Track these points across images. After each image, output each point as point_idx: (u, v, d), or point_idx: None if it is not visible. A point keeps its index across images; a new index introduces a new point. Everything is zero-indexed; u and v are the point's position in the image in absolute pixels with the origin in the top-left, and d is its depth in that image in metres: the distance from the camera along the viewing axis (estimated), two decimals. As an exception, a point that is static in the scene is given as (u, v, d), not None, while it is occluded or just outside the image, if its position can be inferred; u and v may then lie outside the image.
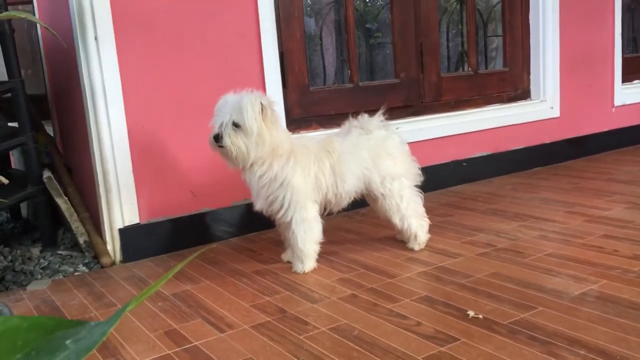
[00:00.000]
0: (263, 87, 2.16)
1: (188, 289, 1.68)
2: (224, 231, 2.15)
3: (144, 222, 2.02)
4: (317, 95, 2.40)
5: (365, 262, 1.79)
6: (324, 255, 1.88)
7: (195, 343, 1.33)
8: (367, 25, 3.12)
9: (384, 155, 1.81)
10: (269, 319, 1.43)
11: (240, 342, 1.32)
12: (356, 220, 2.27)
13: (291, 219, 1.70)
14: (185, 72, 2.03)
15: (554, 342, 1.20)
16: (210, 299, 1.60)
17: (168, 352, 1.30)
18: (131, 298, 1.65)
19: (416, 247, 1.86)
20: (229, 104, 1.66)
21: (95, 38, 1.88)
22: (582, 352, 1.15)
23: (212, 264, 1.89)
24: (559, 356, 1.15)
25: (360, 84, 2.53)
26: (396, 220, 1.83)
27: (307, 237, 1.72)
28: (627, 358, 1.12)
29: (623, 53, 3.28)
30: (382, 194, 1.80)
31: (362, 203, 2.42)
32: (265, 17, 2.14)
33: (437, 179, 2.66)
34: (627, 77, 3.34)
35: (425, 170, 2.61)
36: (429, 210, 2.31)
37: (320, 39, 2.87)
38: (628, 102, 3.31)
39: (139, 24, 1.95)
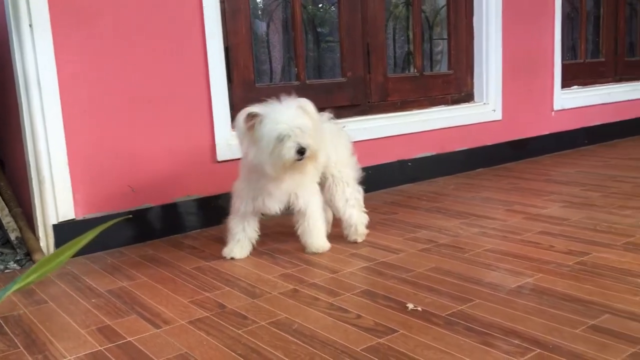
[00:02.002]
0: (207, 81, 2.13)
1: (124, 286, 1.63)
2: (164, 228, 2.10)
3: (79, 217, 1.95)
4: (263, 92, 2.38)
5: (308, 258, 1.77)
6: (267, 251, 1.86)
7: (129, 339, 1.29)
8: (319, 29, 3.12)
9: (339, 144, 1.88)
10: (207, 315, 1.39)
11: (176, 337, 1.28)
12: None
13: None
14: (126, 64, 1.97)
15: (489, 332, 1.22)
16: (147, 295, 1.55)
17: (99, 348, 1.25)
18: (63, 295, 1.58)
19: (359, 239, 1.89)
20: (283, 114, 1.60)
21: (30, 26, 1.80)
22: (517, 342, 1.17)
23: (151, 260, 1.84)
24: (494, 346, 1.16)
25: (307, 81, 2.52)
26: (340, 204, 1.86)
27: (321, 217, 1.80)
28: (559, 347, 1.14)
29: (562, 59, 3.39)
30: (333, 175, 1.85)
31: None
32: (209, 10, 2.10)
33: (382, 178, 2.69)
34: (566, 83, 3.46)
35: (371, 169, 2.64)
36: (375, 208, 2.33)
37: (267, 35, 2.85)
38: (567, 106, 3.42)
39: (79, 13, 1.88)
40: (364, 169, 2.60)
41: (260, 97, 2.34)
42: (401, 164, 2.75)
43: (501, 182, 2.71)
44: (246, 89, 2.32)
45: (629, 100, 3.81)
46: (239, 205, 1.76)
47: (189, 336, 1.29)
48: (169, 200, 2.11)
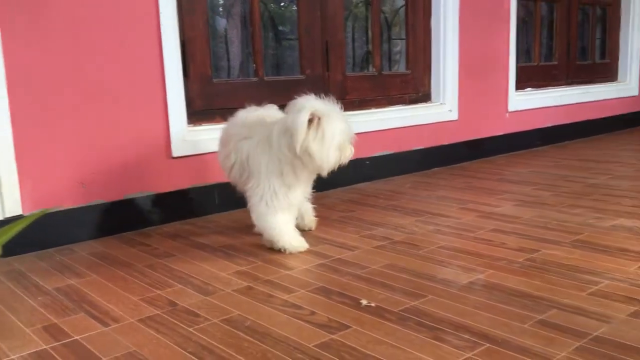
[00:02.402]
0: (162, 75, 2.09)
1: (72, 283, 1.58)
2: (116, 224, 2.05)
3: (27, 213, 1.88)
4: (220, 87, 2.35)
5: (264, 255, 1.76)
6: (222, 249, 1.84)
7: (76, 337, 1.25)
8: (281, 28, 3.11)
9: None
10: (157, 312, 1.37)
11: (124, 335, 1.25)
12: (258, 215, 2.24)
13: None
14: (77, 55, 1.92)
15: (440, 327, 1.23)
16: (96, 293, 1.51)
17: (45, 347, 1.21)
18: (7, 293, 1.52)
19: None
20: (344, 116, 1.71)
21: (-25, 13, 1.73)
22: (466, 337, 1.19)
23: (101, 258, 1.79)
24: (444, 340, 1.17)
25: (266, 78, 2.50)
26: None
27: None
28: (507, 341, 1.16)
29: (517, 62, 3.47)
30: None
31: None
32: (165, 2, 2.06)
33: (340, 177, 2.69)
34: (520, 85, 3.54)
35: (328, 167, 2.64)
36: (332, 207, 2.33)
37: (226, 31, 2.82)
38: (520, 108, 3.50)
39: (27, 2, 1.81)
40: (322, 167, 2.62)
41: (217, 92, 2.33)
42: (359, 162, 2.76)
43: (456, 181, 2.75)
44: (203, 84, 2.28)
45: (579, 103, 3.92)
46: (275, 200, 1.72)
47: (138, 334, 1.26)
48: (121, 196, 2.06)
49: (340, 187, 2.68)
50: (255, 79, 2.47)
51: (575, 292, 1.39)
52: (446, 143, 3.13)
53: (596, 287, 1.41)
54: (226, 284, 1.53)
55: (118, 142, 2.03)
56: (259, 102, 2.46)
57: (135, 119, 2.06)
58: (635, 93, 4.39)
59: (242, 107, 2.40)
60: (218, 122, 2.34)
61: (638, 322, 1.22)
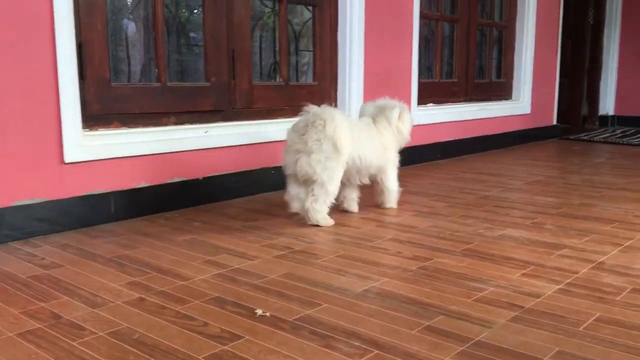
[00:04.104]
0: (55, 76, 1.99)
1: (-55, 297, 1.46)
2: (3, 233, 1.92)
3: None
4: (119, 92, 2.27)
5: (159, 266, 1.71)
6: (115, 259, 1.77)
7: (-57, 356, 1.15)
8: (192, 35, 3.05)
9: None
10: (39, 326, 1.29)
11: (1, 351, 1.17)
12: (158, 224, 2.18)
13: None
14: (-41, 52, 1.79)
15: (333, 335, 1.25)
16: (-28, 306, 1.40)
17: None
18: None
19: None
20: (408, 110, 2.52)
21: None
22: (357, 344, 1.21)
23: (-19, 269, 1.67)
24: (335, 348, 1.19)
25: (169, 84, 2.45)
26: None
27: None
28: (395, 347, 1.20)
29: (419, 78, 3.61)
30: None
31: (166, 207, 2.34)
32: (60, 2, 1.97)
33: (245, 185, 2.67)
34: (422, 100, 3.69)
35: (234, 176, 2.62)
36: (235, 216, 2.31)
37: (126, 33, 2.73)
38: (422, 122, 3.64)
39: None
40: (228, 176, 2.59)
41: (116, 96, 2.25)
42: (265, 171, 2.76)
43: (362, 191, 2.80)
44: (101, 88, 2.20)
45: (477, 119, 4.14)
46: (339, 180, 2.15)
47: (17, 350, 1.18)
48: (9, 203, 1.94)
49: (245, 196, 2.67)
50: (157, 84, 2.41)
51: (462, 299, 1.45)
52: (351, 154, 3.19)
53: (481, 294, 1.49)
54: (116, 296, 1.47)
55: (6, 146, 1.91)
56: (163, 108, 2.40)
57: (25, 123, 1.94)
58: (528, 111, 4.69)
59: (143, 112, 2.34)
60: (117, 127, 2.26)
61: (517, 327, 1.30)
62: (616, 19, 5.98)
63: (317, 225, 2.12)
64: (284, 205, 2.49)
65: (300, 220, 2.18)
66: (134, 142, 2.26)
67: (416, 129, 3.60)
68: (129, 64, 2.72)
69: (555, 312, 1.37)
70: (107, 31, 2.20)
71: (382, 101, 2.43)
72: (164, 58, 2.44)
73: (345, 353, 1.17)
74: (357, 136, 2.18)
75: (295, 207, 2.16)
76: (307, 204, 2.10)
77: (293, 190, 2.15)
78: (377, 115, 2.37)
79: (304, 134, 2.07)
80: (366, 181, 2.35)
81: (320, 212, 2.11)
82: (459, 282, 1.57)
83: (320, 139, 2.04)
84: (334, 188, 2.11)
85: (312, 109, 2.10)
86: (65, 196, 2.07)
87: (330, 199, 2.12)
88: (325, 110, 2.09)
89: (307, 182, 2.11)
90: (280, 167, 2.84)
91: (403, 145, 2.44)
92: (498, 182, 3.06)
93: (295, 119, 2.92)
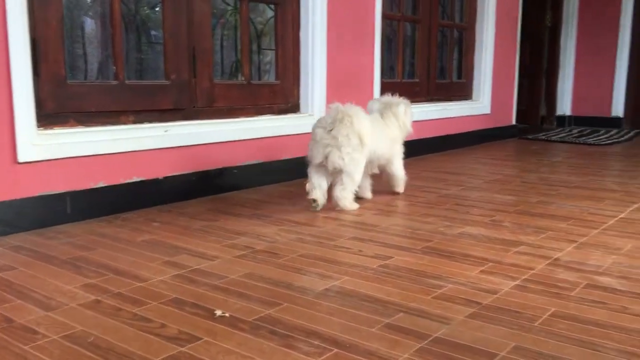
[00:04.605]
0: (8, 73, 1.93)
1: None
2: (-49, 236, 1.86)
3: None
4: (75, 90, 2.22)
5: (116, 267, 1.67)
6: (71, 261, 1.73)
7: None
8: (154, 32, 3.00)
9: None
10: (-11, 331, 1.25)
11: (-54, 358, 1.13)
12: (115, 225, 2.13)
13: None
14: None
15: (293, 335, 1.24)
16: None
17: None
18: None
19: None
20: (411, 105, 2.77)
21: None
22: (317, 343, 1.21)
23: None
24: (295, 347, 1.18)
25: (127, 82, 2.40)
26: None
27: None
28: (355, 345, 1.20)
29: (382, 77, 3.63)
30: None
31: (124, 207, 2.29)
32: (13, -4, 1.91)
33: (207, 185, 2.64)
34: (384, 100, 3.70)
35: (194, 176, 2.59)
36: (195, 215, 2.28)
37: (83, 30, 2.67)
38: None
39: None
40: (188, 175, 2.56)
41: (72, 94, 2.19)
42: (226, 171, 2.73)
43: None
44: (56, 85, 2.14)
45: (439, 119, 4.19)
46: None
47: (-36, 356, 1.14)
48: (-43, 204, 1.87)
49: (206, 195, 2.64)
50: (115, 82, 2.36)
51: (421, 296, 1.47)
52: (314, 153, 3.19)
53: (440, 291, 1.50)
54: (71, 298, 1.43)
55: (-47, 144, 1.84)
56: (121, 107, 2.36)
57: (-26, 120, 1.88)
58: (488, 111, 4.77)
59: (100, 111, 2.29)
60: (73, 125, 2.21)
61: (474, 323, 1.31)
62: (572, 22, 6.14)
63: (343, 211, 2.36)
64: (246, 204, 2.48)
65: (313, 210, 2.36)
66: (91, 141, 2.21)
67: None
68: (86, 62, 2.66)
69: (512, 308, 1.40)
70: (63, 27, 2.15)
71: (387, 98, 2.68)
72: (122, 55, 2.39)
73: (304, 352, 1.16)
74: (374, 131, 2.42)
75: (316, 195, 2.34)
76: (337, 192, 2.35)
77: (315, 180, 2.35)
78: (384, 111, 2.60)
79: (331, 130, 2.27)
80: (376, 170, 2.64)
81: (347, 198, 2.36)
82: (418, 280, 1.58)
83: (348, 134, 2.26)
84: (359, 177, 2.37)
85: (338, 106, 2.31)
86: (19, 197, 2.01)
87: (356, 187, 2.38)
88: (350, 107, 2.32)
89: (335, 173, 2.34)
90: (242, 166, 2.83)
91: (406, 137, 2.70)
92: (458, 180, 3.10)
93: (257, 118, 2.93)
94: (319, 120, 2.36)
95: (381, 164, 2.62)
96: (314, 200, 2.34)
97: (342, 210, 2.38)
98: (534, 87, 6.17)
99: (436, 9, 4.22)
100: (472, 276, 1.62)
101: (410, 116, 2.68)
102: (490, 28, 4.65)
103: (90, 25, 2.74)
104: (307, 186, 2.36)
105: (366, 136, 2.31)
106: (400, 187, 2.72)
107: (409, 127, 2.68)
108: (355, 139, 2.28)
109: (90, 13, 2.70)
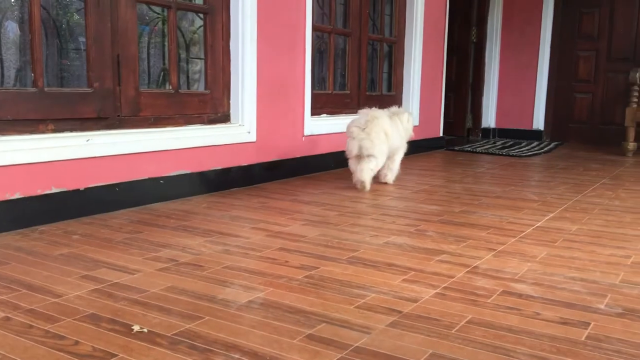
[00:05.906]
0: None
1: None
2: None
3: None
4: (-11, 96, 2.11)
5: (30, 282, 1.60)
6: (-21, 276, 1.63)
7: None
8: (82, 39, 2.90)
9: None
10: None
11: None
12: (31, 238, 2.04)
13: None
14: None
15: (212, 349, 1.22)
16: None
17: None
18: None
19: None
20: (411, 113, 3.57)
21: None
22: (237, 356, 1.19)
23: None
24: (214, 362, 1.17)
25: (47, 89, 2.31)
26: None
27: None
28: (276, 358, 1.19)
29: (313, 89, 3.66)
30: None
31: (42, 220, 2.20)
32: None
33: (132, 196, 2.57)
34: (315, 111, 3.74)
35: (119, 187, 2.51)
36: (119, 228, 2.22)
37: (0, 34, 2.56)
38: (316, 132, 3.69)
39: None
40: (112, 186, 2.48)
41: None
42: (153, 181, 2.67)
43: (252, 201, 2.80)
44: (-33, 92, 2.03)
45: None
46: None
47: None
48: None
49: (131, 207, 2.57)
50: (33, 90, 2.26)
51: (344, 306, 1.48)
52: (245, 164, 3.17)
53: (363, 301, 1.52)
54: (-23, 317, 1.36)
55: None
56: (40, 115, 2.26)
57: None
58: (416, 123, 4.89)
59: (17, 119, 2.20)
60: (-14, 134, 2.10)
61: (394, 331, 1.34)
62: (496, 38, 6.42)
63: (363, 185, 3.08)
64: (172, 216, 2.44)
65: (361, 190, 3.11)
66: (7, 150, 2.11)
67: (310, 138, 3.65)
68: (2, 67, 2.54)
69: (431, 315, 1.43)
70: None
71: (394, 109, 3.41)
72: (41, 62, 2.30)
73: (223, 366, 1.15)
74: (392, 130, 3.18)
75: (358, 176, 3.08)
76: (364, 165, 3.05)
77: (355, 167, 3.11)
78: (392, 117, 3.28)
79: (364, 128, 2.99)
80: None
81: (369, 173, 3.08)
82: (342, 290, 1.60)
83: (378, 130, 3.01)
84: (381, 161, 3.12)
85: (368, 111, 3.07)
86: None
87: (378, 168, 3.13)
88: (377, 111, 3.11)
89: (365, 158, 3.04)
90: (170, 176, 2.77)
91: (408, 138, 3.45)
92: (387, 190, 3.16)
93: (185, 127, 2.88)
94: (354, 121, 3.05)
95: (389, 157, 3.29)
96: (362, 182, 3.06)
97: (272, 222, 2.38)
98: (461, 100, 6.39)
99: (366, 22, 4.30)
100: (395, 285, 1.65)
101: (411, 123, 3.45)
102: (419, 42, 4.78)
103: (13, 29, 2.62)
104: (351, 168, 3.12)
105: (389, 132, 3.10)
106: (390, 178, 3.37)
107: (410, 132, 3.45)
108: (382, 134, 3.03)
109: (14, 16, 2.59)
